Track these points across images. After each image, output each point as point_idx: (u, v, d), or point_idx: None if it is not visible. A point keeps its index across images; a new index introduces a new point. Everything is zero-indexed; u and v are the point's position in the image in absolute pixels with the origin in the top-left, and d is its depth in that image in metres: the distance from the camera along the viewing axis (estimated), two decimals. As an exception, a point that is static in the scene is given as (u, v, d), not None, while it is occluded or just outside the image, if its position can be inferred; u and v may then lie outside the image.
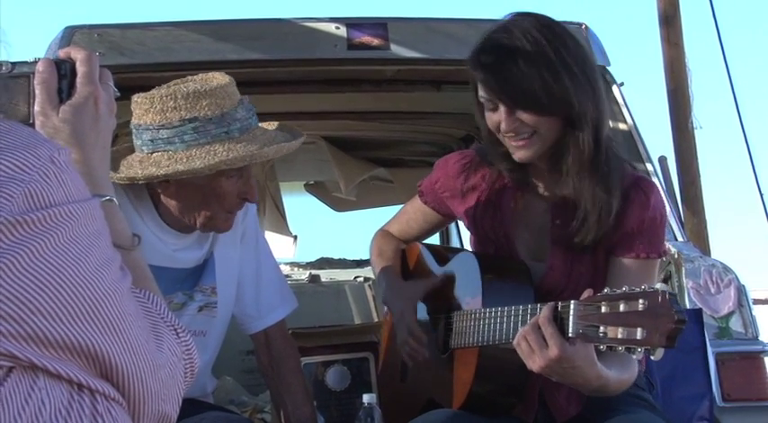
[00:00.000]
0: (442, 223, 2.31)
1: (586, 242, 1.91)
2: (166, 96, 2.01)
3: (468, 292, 1.99)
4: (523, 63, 1.81)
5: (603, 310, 1.58)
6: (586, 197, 1.89)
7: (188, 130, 2.00)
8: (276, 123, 2.23)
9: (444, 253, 2.26)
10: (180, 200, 2.09)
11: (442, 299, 2.11)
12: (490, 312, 1.86)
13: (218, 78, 2.09)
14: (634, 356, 1.53)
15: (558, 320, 1.67)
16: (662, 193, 2.04)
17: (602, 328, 1.57)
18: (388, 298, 2.22)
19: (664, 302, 1.50)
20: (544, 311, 1.69)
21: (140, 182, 2.04)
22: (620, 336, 1.53)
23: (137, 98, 2.05)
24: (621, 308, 1.54)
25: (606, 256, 1.96)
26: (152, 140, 2.03)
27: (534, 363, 1.69)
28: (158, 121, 2.01)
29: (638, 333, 1.51)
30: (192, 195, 2.08)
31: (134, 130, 2.07)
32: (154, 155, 2.02)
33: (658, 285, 1.53)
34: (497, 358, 1.88)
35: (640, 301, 1.52)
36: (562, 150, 1.88)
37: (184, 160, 1.98)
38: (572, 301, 1.64)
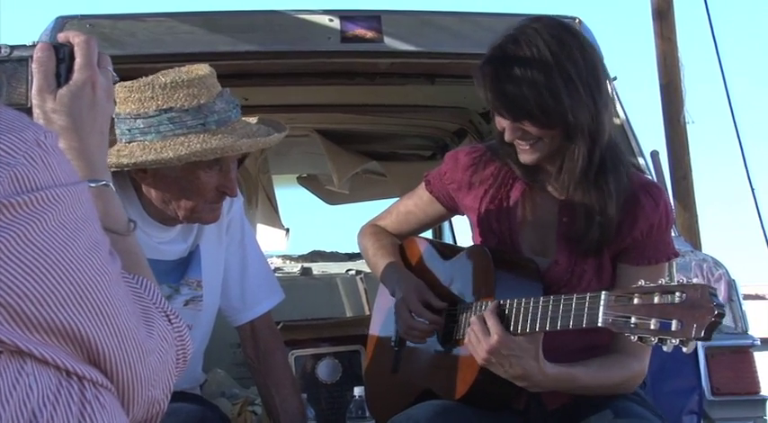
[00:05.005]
0: (441, 217, 2.31)
1: (591, 244, 1.94)
2: (144, 86, 1.99)
3: (479, 285, 2.00)
4: (523, 79, 1.84)
5: (636, 301, 1.58)
6: (584, 203, 1.92)
7: (164, 120, 1.98)
8: (259, 117, 2.20)
9: (447, 248, 2.25)
10: (159, 190, 2.07)
11: (445, 292, 2.11)
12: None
13: (198, 70, 2.07)
14: (665, 348, 1.53)
15: (504, 315, 1.79)
16: (668, 197, 2.05)
17: (633, 319, 1.57)
18: (392, 283, 2.19)
19: (704, 295, 1.50)
20: (490, 306, 1.80)
21: (112, 170, 2.03)
22: (652, 327, 1.53)
23: (117, 87, 2.02)
24: (656, 300, 1.55)
25: (612, 259, 1.98)
26: (129, 130, 2.01)
27: (478, 353, 1.79)
28: (135, 110, 2.00)
29: (674, 325, 1.51)
30: (169, 187, 2.06)
31: (115, 120, 2.04)
32: (130, 145, 2.01)
33: (695, 280, 1.54)
34: None
35: (677, 293, 1.52)
36: (563, 158, 1.92)
37: (158, 150, 1.96)
38: (602, 292, 1.66)
